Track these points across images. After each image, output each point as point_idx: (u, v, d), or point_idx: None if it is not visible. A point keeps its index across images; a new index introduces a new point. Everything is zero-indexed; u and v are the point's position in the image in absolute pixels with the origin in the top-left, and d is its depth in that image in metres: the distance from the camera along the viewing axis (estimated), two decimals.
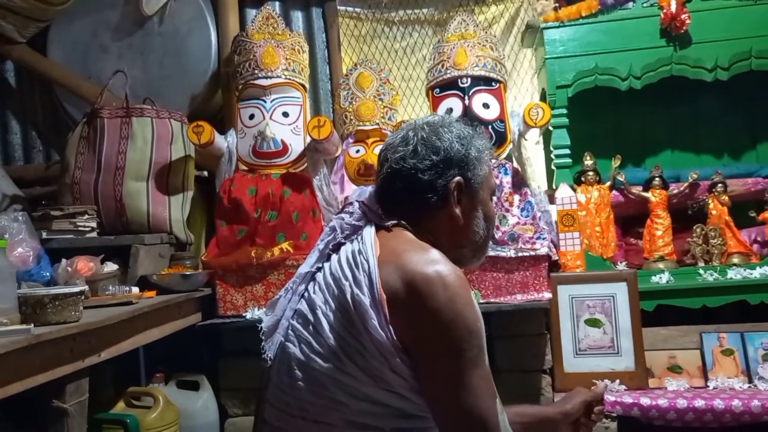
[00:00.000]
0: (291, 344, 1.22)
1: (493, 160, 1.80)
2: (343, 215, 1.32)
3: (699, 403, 2.17)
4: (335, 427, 1.15)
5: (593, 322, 2.38)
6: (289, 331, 1.23)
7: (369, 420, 1.15)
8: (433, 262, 1.14)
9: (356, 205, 1.32)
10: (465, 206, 1.27)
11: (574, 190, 2.62)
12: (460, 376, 1.10)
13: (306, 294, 1.25)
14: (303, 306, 1.23)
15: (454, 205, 1.26)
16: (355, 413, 1.15)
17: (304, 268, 1.29)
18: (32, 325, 1.46)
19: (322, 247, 1.30)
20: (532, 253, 2.39)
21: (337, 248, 1.27)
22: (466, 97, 2.60)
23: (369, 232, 1.24)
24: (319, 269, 1.27)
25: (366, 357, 1.13)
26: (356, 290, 1.15)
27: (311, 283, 1.26)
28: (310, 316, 1.20)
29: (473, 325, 1.12)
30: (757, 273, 2.42)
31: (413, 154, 1.26)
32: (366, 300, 1.13)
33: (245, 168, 2.69)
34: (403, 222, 1.26)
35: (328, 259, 1.27)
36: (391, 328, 1.11)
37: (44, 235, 2.27)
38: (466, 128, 1.31)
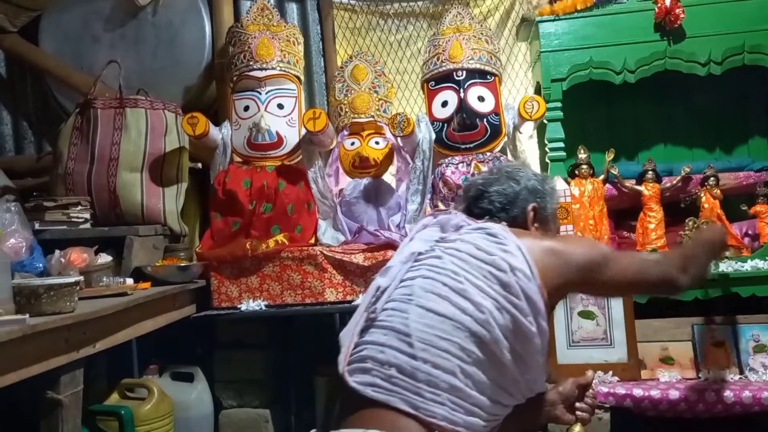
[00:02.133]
0: (421, 299, 1.34)
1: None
2: (442, 216, 1.55)
3: (691, 394, 2.19)
4: (450, 372, 1.27)
5: (586, 314, 2.40)
6: (414, 290, 1.37)
7: (478, 375, 1.29)
8: (548, 237, 1.50)
9: (454, 212, 1.58)
10: (539, 230, 1.57)
11: (568, 183, 2.63)
12: (613, 273, 1.43)
13: (425, 265, 1.41)
14: (430, 273, 1.38)
15: (531, 223, 1.55)
16: (472, 362, 1.28)
17: (412, 249, 1.47)
18: (27, 315, 1.45)
19: (426, 235, 1.50)
20: None
21: (445, 239, 1.47)
22: (462, 90, 2.60)
23: (492, 224, 1.46)
24: (431, 250, 1.44)
25: (515, 315, 1.32)
26: (514, 260, 1.35)
27: (429, 258, 1.42)
28: (449, 280, 1.35)
29: (593, 242, 1.59)
30: (748, 266, 2.43)
31: (497, 182, 1.58)
32: (525, 268, 1.34)
33: (240, 160, 2.68)
34: (505, 226, 1.49)
35: (438, 244, 1.46)
36: (544, 288, 1.34)
37: (37, 226, 2.25)
38: (539, 173, 1.71)
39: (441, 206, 2.59)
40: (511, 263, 1.34)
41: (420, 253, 1.44)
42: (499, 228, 1.44)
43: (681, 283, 1.51)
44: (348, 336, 1.37)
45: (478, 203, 1.59)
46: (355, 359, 1.33)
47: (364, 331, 1.37)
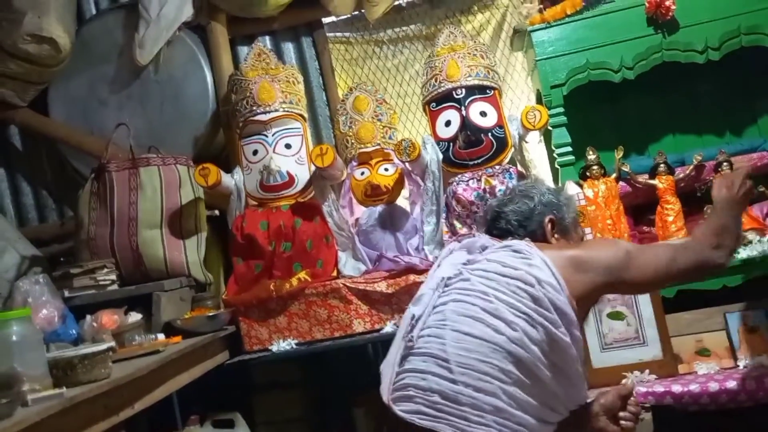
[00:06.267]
0: (456, 323, 1.37)
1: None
2: (467, 240, 1.60)
3: (731, 384, 2.16)
4: (492, 394, 1.30)
5: (616, 315, 2.38)
6: (447, 315, 1.40)
7: (521, 394, 1.31)
8: (569, 248, 1.53)
9: (478, 235, 1.64)
10: (560, 241, 1.60)
11: (581, 186, 2.63)
12: (639, 266, 1.44)
13: (456, 289, 1.45)
14: (461, 297, 1.42)
15: (550, 235, 1.59)
16: (512, 383, 1.31)
17: (441, 274, 1.50)
18: (64, 387, 1.49)
19: (454, 259, 1.53)
20: None
21: (472, 261, 1.50)
22: (463, 108, 2.62)
23: (516, 242, 1.51)
24: (459, 274, 1.48)
25: (548, 328, 1.34)
26: (541, 274, 1.39)
27: (459, 282, 1.46)
28: (479, 301, 1.39)
29: (612, 242, 1.68)
30: None
31: (512, 202, 1.63)
32: (552, 280, 1.37)
33: (255, 203, 2.73)
34: (528, 241, 1.53)
35: (465, 267, 1.49)
36: (572, 300, 1.37)
37: (66, 293, 2.32)
38: (552, 186, 1.83)
39: (457, 224, 2.61)
40: (538, 277, 1.38)
41: (449, 278, 1.48)
42: (523, 244, 1.47)
43: (717, 260, 1.50)
44: (389, 366, 1.41)
45: (496, 225, 1.63)
46: (398, 387, 1.37)
47: (403, 360, 1.40)
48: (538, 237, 1.58)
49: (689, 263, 1.49)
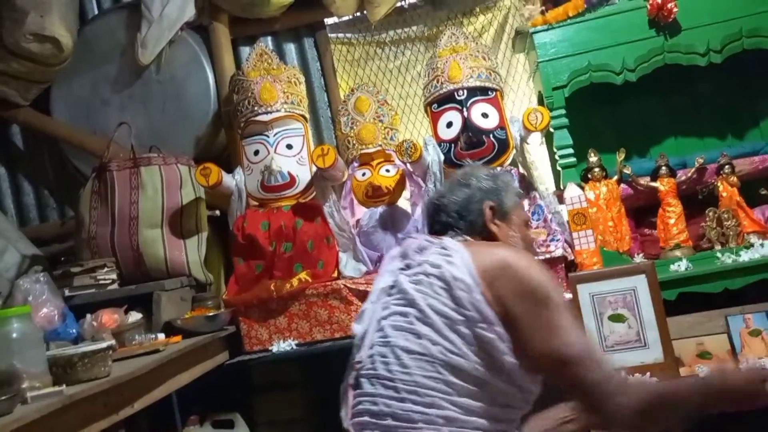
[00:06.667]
0: (394, 339, 1.35)
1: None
2: (407, 242, 1.52)
3: None
4: (443, 407, 1.28)
5: (617, 318, 2.37)
6: (387, 331, 1.38)
7: (471, 402, 1.29)
8: (505, 247, 1.44)
9: (418, 235, 1.58)
10: (501, 227, 1.52)
11: (582, 188, 2.62)
12: (552, 322, 1.30)
13: (393, 301, 1.41)
14: (396, 308, 1.39)
15: (490, 222, 1.50)
16: (459, 394, 1.29)
17: (380, 285, 1.47)
18: (64, 385, 1.49)
19: (393, 266, 1.48)
20: (547, 255, 2.40)
21: (408, 266, 1.45)
22: (465, 109, 2.62)
23: (447, 240, 1.45)
24: (395, 282, 1.44)
25: (473, 328, 1.30)
26: (456, 271, 1.34)
27: (395, 292, 1.43)
28: (411, 311, 1.36)
29: (550, 282, 1.37)
30: None
31: (449, 192, 1.55)
32: (467, 278, 1.33)
33: (256, 203, 2.73)
34: (467, 239, 1.49)
35: (401, 273, 1.45)
36: (490, 297, 1.31)
37: (67, 292, 2.32)
38: (491, 169, 1.68)
39: None
40: (454, 275, 1.34)
41: (390, 287, 1.44)
42: (452, 242, 1.43)
43: (610, 413, 1.28)
44: (347, 389, 1.41)
45: (437, 218, 1.56)
46: (355, 413, 1.37)
47: (357, 382, 1.39)
48: (478, 226, 1.51)
49: (588, 380, 1.27)
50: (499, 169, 1.70)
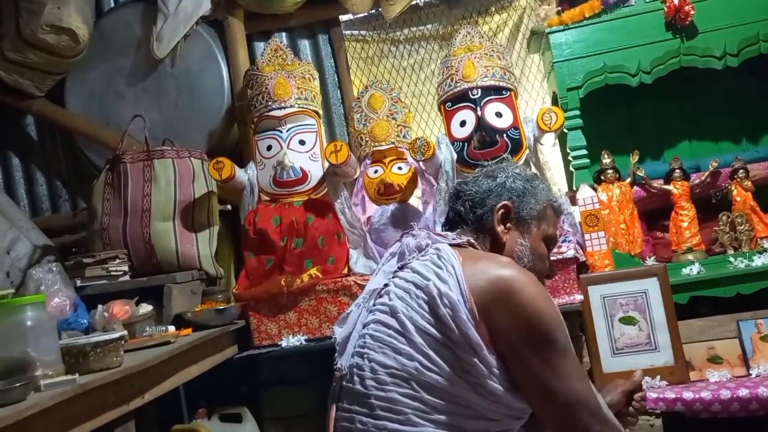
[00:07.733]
0: (371, 351, 1.29)
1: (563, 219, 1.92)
2: (407, 240, 1.43)
3: (743, 392, 2.13)
4: (418, 424, 1.22)
5: (628, 320, 2.37)
6: (366, 340, 1.31)
7: (450, 419, 1.23)
8: (508, 265, 1.28)
9: (419, 231, 1.45)
10: (510, 231, 1.42)
11: (595, 190, 2.62)
12: (553, 365, 1.21)
13: (378, 306, 1.35)
14: (379, 316, 1.32)
15: (498, 223, 1.40)
16: (437, 411, 1.22)
17: (372, 286, 1.41)
18: (76, 374, 1.49)
19: (388, 267, 1.41)
20: (559, 256, 2.39)
21: (403, 267, 1.37)
22: (478, 108, 2.62)
23: (444, 245, 1.34)
24: (386, 285, 1.37)
25: (454, 350, 1.22)
26: (443, 287, 1.24)
27: (383, 296, 1.36)
28: (392, 321, 1.29)
29: (556, 317, 1.24)
30: None
31: (474, 181, 1.46)
32: (454, 295, 1.23)
33: (267, 198, 2.73)
34: (470, 240, 1.39)
35: (394, 276, 1.38)
36: (479, 321, 1.21)
37: (78, 282, 2.33)
38: (528, 171, 1.52)
39: None
40: (440, 290, 1.24)
41: (381, 290, 1.38)
42: (448, 251, 1.32)
43: None
44: (331, 400, 1.37)
45: (454, 205, 1.47)
46: (337, 428, 1.33)
47: (339, 395, 1.35)
48: (485, 224, 1.41)
49: (577, 424, 1.22)
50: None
